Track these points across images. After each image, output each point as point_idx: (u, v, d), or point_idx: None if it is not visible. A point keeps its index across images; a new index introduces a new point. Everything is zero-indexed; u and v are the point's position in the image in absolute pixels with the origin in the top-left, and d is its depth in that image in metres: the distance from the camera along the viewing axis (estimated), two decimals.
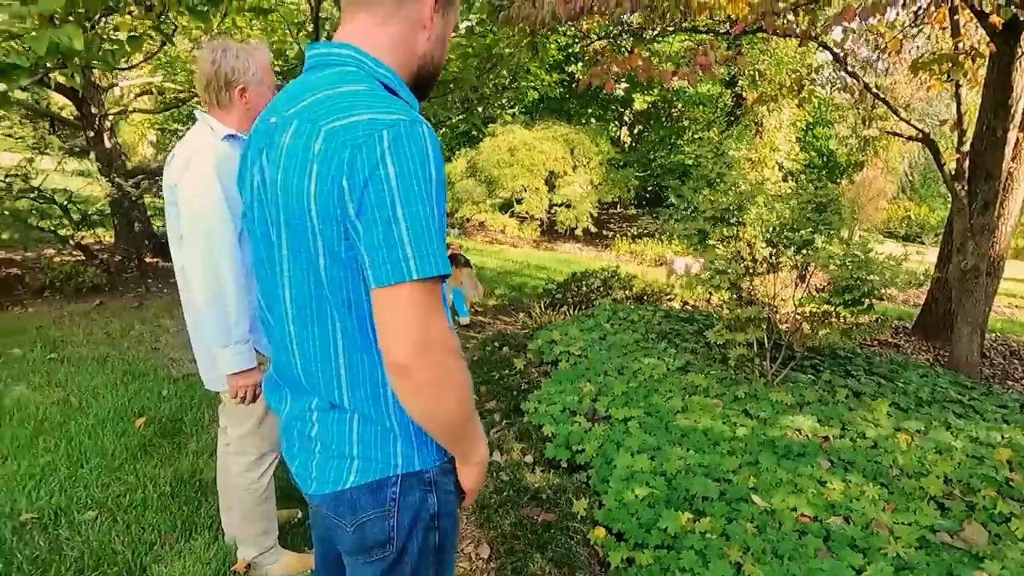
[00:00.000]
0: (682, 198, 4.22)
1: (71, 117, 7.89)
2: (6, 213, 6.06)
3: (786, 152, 11.82)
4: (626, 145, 16.07)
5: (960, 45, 4.95)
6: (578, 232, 12.46)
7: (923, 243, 18.88)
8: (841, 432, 3.16)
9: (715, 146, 11.36)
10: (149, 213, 7.57)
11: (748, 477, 2.69)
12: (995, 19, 4.37)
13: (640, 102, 14.40)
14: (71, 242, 6.48)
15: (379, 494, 1.07)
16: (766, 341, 3.80)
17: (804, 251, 3.79)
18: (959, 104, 5.14)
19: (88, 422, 3.25)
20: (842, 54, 5.47)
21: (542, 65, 7.39)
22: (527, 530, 2.55)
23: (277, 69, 6.17)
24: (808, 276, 3.95)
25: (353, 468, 1.07)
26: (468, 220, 13.03)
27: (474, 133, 12.68)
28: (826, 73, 9.35)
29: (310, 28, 5.65)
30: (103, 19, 4.82)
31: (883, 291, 3.55)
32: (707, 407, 3.35)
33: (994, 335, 6.90)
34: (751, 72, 10.65)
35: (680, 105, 14.23)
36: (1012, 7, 4.20)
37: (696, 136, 13.50)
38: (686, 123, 14.27)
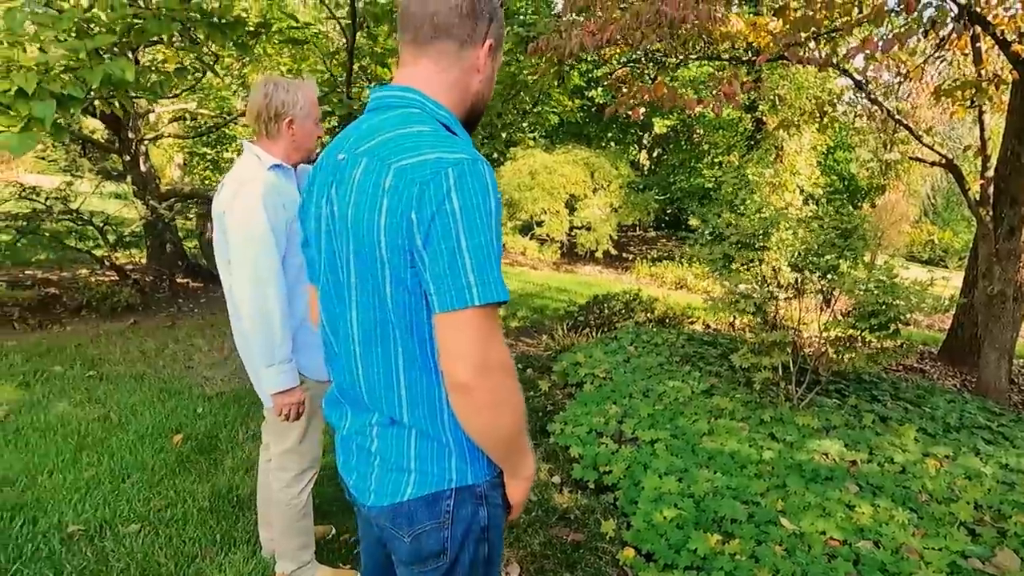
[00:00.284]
0: (707, 223, 4.28)
1: (101, 140, 8.18)
2: (46, 235, 6.29)
3: (807, 176, 11.82)
4: (645, 168, 16.18)
5: (983, 72, 4.99)
6: (598, 254, 12.52)
7: (947, 267, 18.66)
8: (869, 457, 3.16)
9: (736, 170, 11.41)
10: (181, 235, 7.77)
11: (776, 500, 2.71)
12: (1017, 47, 4.41)
13: (660, 126, 14.53)
14: (106, 263, 6.68)
15: (435, 506, 1.13)
16: (791, 365, 3.82)
17: (829, 276, 3.82)
18: (983, 129, 5.17)
19: (128, 438, 3.35)
20: (863, 80, 5.53)
21: (565, 91, 7.53)
22: (556, 550, 2.58)
23: None
24: (833, 301, 3.97)
25: (411, 481, 1.13)
26: None
27: (495, 156, 12.86)
28: (847, 98, 9.42)
29: (342, 56, 5.84)
30: (143, 50, 5.03)
31: (908, 316, 3.56)
32: (733, 430, 3.37)
33: (1022, 361, 6.82)
34: (771, 97, 10.72)
35: (700, 129, 14.32)
36: None
37: (716, 160, 13.56)
38: (706, 147, 14.35)
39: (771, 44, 4.30)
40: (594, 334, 5.92)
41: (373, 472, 1.17)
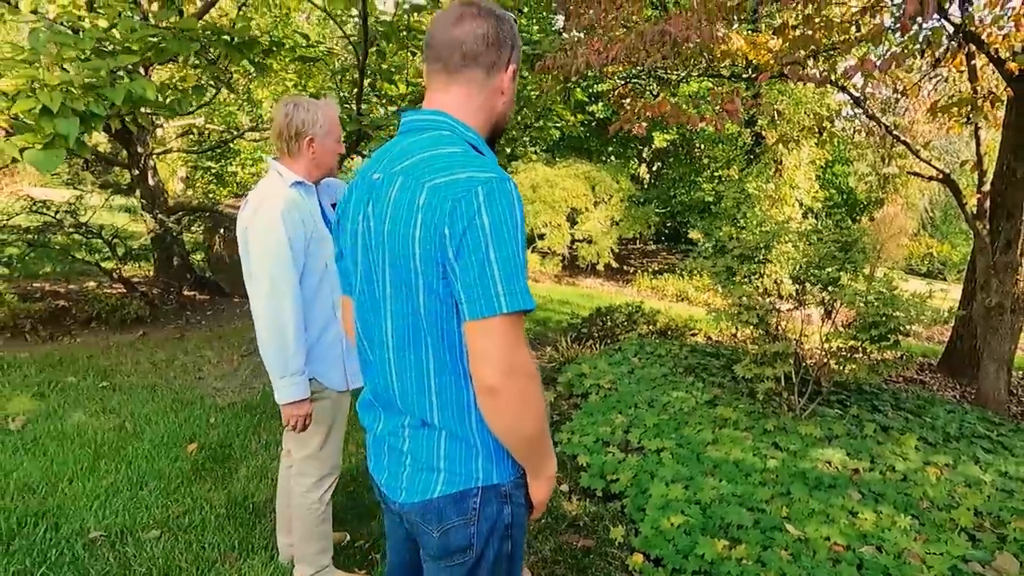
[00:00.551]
0: (710, 236, 4.37)
1: (105, 154, 8.29)
2: (56, 247, 6.38)
3: (806, 190, 11.94)
4: (646, 182, 16.30)
5: (979, 89, 5.10)
6: (599, 267, 12.61)
7: (945, 280, 18.74)
8: (871, 465, 3.23)
9: (736, 183, 11.52)
10: (188, 248, 7.86)
11: (781, 507, 2.77)
12: (1011, 65, 4.52)
13: (660, 140, 14.67)
14: (114, 275, 6.76)
15: (462, 504, 1.21)
16: (793, 376, 3.89)
17: (830, 288, 3.90)
18: (978, 145, 5.28)
19: (144, 447, 3.42)
20: (861, 97, 5.65)
21: (568, 107, 7.65)
22: (567, 555, 2.65)
23: None
24: (834, 313, 4.05)
25: (440, 480, 1.21)
26: None
27: None
28: (845, 112, 9.55)
29: (351, 74, 5.96)
30: (154, 68, 5.14)
31: (908, 327, 3.64)
32: (737, 439, 3.43)
33: (1022, 372, 6.88)
34: (770, 112, 10.85)
35: (700, 143, 14.47)
36: None
37: (716, 174, 13.68)
38: (706, 161, 14.48)
39: (771, 62, 4.41)
40: (598, 346, 5.99)
41: (404, 471, 1.25)
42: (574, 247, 12.75)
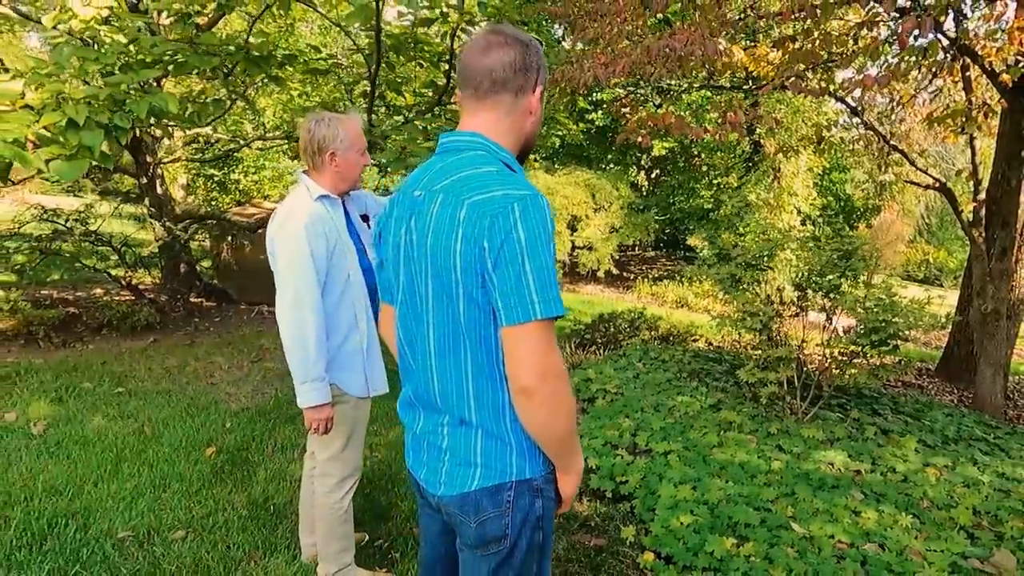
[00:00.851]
0: (713, 244, 4.48)
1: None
2: (66, 255, 6.46)
3: (804, 197, 12.07)
4: (645, 189, 16.44)
5: (973, 100, 5.22)
6: (600, 274, 12.72)
7: (942, 286, 18.88)
8: (872, 466, 3.32)
9: (736, 191, 11.66)
10: (195, 256, 7.94)
11: (786, 507, 2.86)
12: (1005, 77, 4.64)
13: (659, 148, 14.81)
14: (122, 283, 6.85)
15: (497, 496, 1.30)
16: (796, 380, 3.99)
17: (832, 295, 4.01)
18: (974, 154, 5.39)
19: (163, 450, 3.50)
20: (859, 107, 5.77)
21: (571, 117, 7.78)
22: (580, 554, 2.73)
23: None
24: (835, 318, 4.15)
25: (476, 475, 1.30)
26: None
27: None
28: (842, 120, 9.69)
29: (362, 86, 6.08)
30: (166, 80, 5.24)
31: (907, 333, 3.75)
32: (742, 442, 3.53)
33: (1018, 378, 7.00)
34: (769, 121, 11.00)
35: (698, 151, 14.61)
36: (1021, 67, 4.47)
37: (714, 181, 13.82)
38: (704, 168, 14.62)
39: (772, 74, 4.52)
40: (601, 351, 6.09)
41: (443, 466, 1.34)
42: (574, 254, 12.86)
